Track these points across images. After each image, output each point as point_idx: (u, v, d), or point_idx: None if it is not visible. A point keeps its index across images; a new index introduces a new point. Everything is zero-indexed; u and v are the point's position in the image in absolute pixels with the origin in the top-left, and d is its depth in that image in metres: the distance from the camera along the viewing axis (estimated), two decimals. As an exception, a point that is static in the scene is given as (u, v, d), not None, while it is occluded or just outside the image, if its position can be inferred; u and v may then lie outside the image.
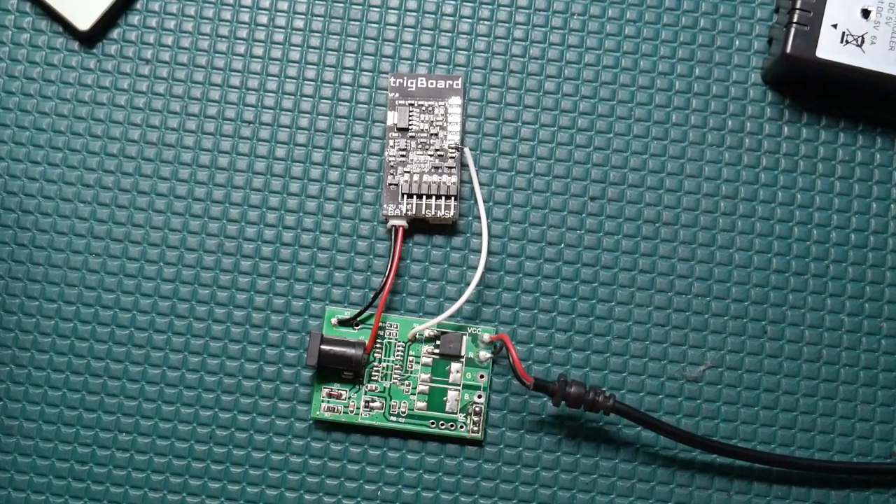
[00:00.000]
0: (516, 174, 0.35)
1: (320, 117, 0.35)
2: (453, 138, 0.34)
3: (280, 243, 0.35)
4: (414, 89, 0.35)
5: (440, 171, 0.34)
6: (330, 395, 0.33)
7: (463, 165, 0.34)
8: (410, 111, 0.34)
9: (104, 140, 0.35)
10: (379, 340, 0.34)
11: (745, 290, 0.35)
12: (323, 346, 0.33)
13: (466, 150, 0.34)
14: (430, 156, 0.34)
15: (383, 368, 0.33)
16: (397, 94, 0.35)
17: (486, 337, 0.33)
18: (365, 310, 0.34)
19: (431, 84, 0.35)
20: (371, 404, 0.33)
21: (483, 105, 0.35)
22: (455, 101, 0.34)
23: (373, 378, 0.33)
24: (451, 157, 0.34)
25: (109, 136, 0.35)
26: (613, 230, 0.35)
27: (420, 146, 0.34)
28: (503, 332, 0.34)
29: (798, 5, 0.33)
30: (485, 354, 0.33)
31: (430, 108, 0.34)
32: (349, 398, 0.33)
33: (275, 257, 0.34)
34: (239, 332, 0.34)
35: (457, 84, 0.35)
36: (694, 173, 0.35)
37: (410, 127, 0.34)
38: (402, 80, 0.35)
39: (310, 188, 0.35)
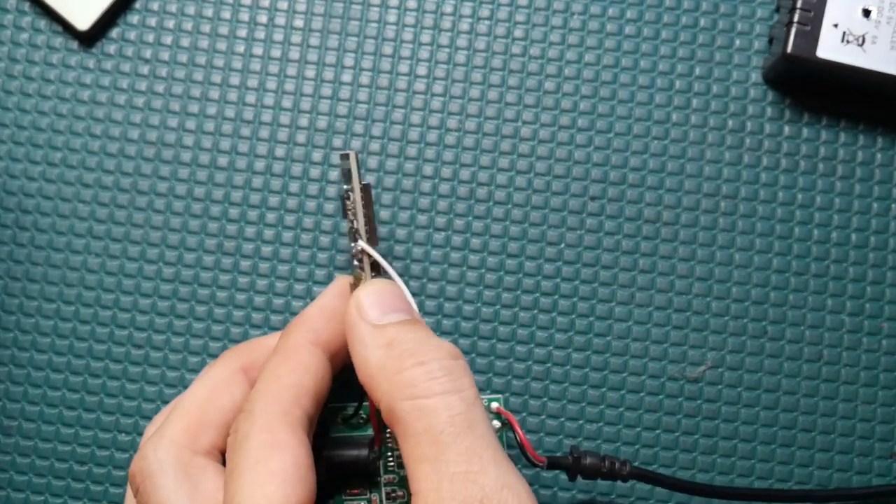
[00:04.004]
0: (516, 174, 0.35)
1: (320, 117, 0.35)
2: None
3: (280, 243, 0.35)
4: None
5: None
6: (350, 493, 0.30)
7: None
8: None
9: (104, 140, 0.35)
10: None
11: (745, 291, 0.34)
12: (327, 453, 0.30)
13: (351, 154, 0.29)
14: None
15: (397, 456, 0.30)
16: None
17: (494, 406, 0.31)
18: (360, 407, 0.31)
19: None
20: (393, 495, 0.30)
21: (483, 105, 0.35)
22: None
23: (389, 468, 0.30)
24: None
25: (109, 136, 0.35)
26: (613, 230, 0.35)
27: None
28: (504, 330, 0.34)
29: (799, 5, 0.33)
30: (496, 424, 0.31)
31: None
32: (369, 493, 0.30)
33: (274, 257, 0.34)
34: (238, 333, 0.34)
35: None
36: (694, 173, 0.35)
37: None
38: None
39: (309, 188, 0.35)
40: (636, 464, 0.33)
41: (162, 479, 0.26)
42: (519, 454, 0.30)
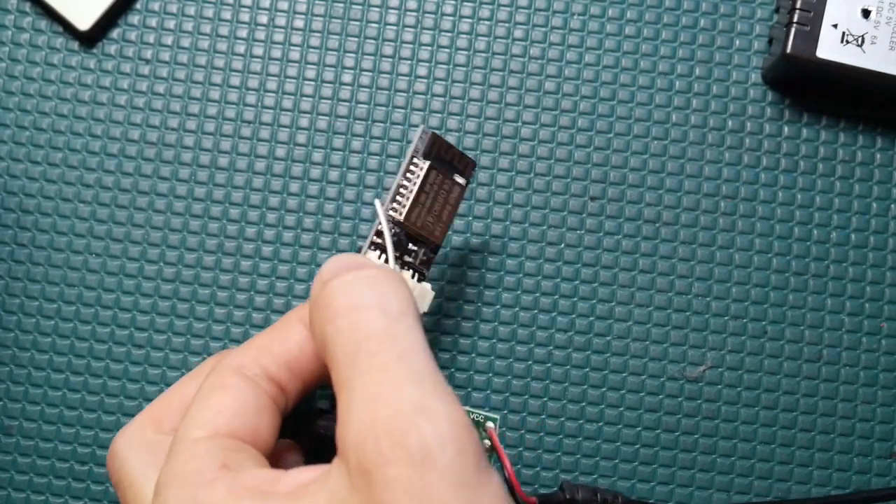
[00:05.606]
0: (516, 174, 0.35)
1: (320, 117, 0.35)
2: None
3: (280, 243, 0.35)
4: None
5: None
6: None
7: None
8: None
9: (104, 140, 0.35)
10: None
11: (745, 290, 0.35)
12: (315, 423, 0.28)
13: (377, 202, 0.29)
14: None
15: None
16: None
17: (489, 426, 0.29)
18: None
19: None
20: None
21: (483, 105, 0.35)
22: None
23: None
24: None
25: (109, 136, 0.35)
26: (613, 230, 0.35)
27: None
28: (504, 330, 0.34)
29: (798, 5, 0.33)
30: (485, 443, 0.29)
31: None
32: None
33: (275, 257, 0.34)
34: (239, 333, 0.34)
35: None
36: (694, 173, 0.35)
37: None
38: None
39: (310, 188, 0.35)
40: (636, 464, 0.34)
41: (128, 455, 0.27)
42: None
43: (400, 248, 0.29)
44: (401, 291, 0.23)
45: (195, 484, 0.22)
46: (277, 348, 0.27)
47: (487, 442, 0.29)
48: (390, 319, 0.22)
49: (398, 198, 0.29)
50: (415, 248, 0.29)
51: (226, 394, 0.25)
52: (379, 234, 0.28)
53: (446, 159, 0.29)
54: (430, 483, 0.20)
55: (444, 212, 0.29)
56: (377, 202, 0.28)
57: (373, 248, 0.28)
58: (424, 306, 0.29)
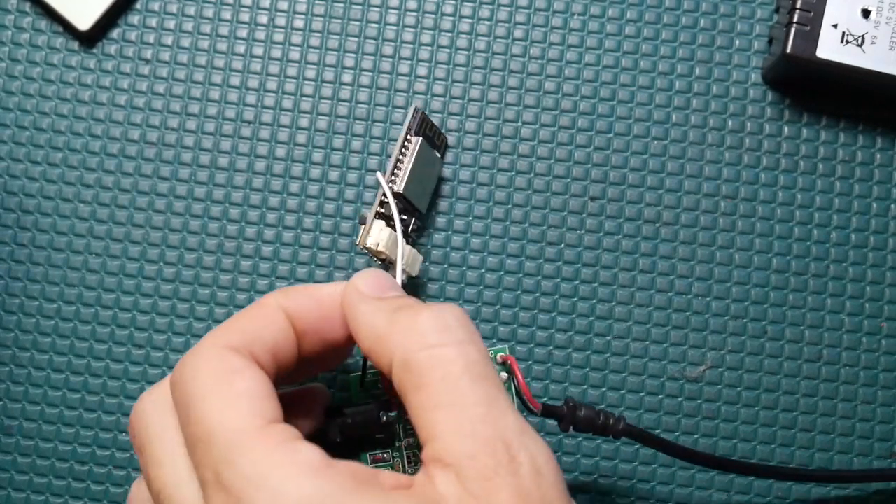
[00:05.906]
0: (516, 174, 0.35)
1: (320, 117, 0.35)
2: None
3: (280, 243, 0.35)
4: None
5: None
6: (374, 461, 0.31)
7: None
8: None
9: (104, 140, 0.35)
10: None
11: (745, 290, 0.35)
12: (341, 420, 0.30)
13: (378, 174, 0.32)
14: None
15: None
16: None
17: (499, 357, 0.31)
18: (365, 372, 0.31)
19: None
20: (414, 459, 0.31)
21: (483, 105, 0.35)
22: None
23: (408, 431, 0.31)
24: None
25: (109, 136, 0.35)
26: (613, 230, 0.35)
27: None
28: (504, 330, 0.34)
29: (798, 5, 0.33)
30: (503, 375, 0.31)
31: None
32: (393, 459, 0.31)
33: (275, 257, 0.34)
34: (239, 332, 0.34)
35: None
36: (694, 173, 0.35)
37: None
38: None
39: (310, 188, 0.35)
40: (636, 464, 0.34)
41: (153, 417, 0.26)
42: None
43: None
44: (479, 334, 0.26)
45: (300, 475, 0.22)
46: (265, 334, 0.26)
47: (504, 374, 0.30)
48: (482, 355, 0.25)
49: (396, 171, 0.32)
50: (405, 217, 0.32)
51: (245, 377, 0.24)
52: (382, 204, 0.31)
53: (430, 135, 0.33)
54: (546, 492, 0.23)
55: (429, 184, 0.33)
56: (379, 174, 0.31)
57: (377, 217, 0.31)
58: (415, 270, 0.32)
